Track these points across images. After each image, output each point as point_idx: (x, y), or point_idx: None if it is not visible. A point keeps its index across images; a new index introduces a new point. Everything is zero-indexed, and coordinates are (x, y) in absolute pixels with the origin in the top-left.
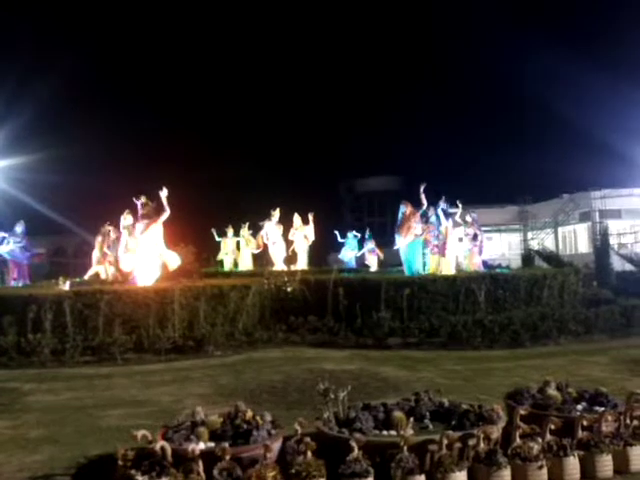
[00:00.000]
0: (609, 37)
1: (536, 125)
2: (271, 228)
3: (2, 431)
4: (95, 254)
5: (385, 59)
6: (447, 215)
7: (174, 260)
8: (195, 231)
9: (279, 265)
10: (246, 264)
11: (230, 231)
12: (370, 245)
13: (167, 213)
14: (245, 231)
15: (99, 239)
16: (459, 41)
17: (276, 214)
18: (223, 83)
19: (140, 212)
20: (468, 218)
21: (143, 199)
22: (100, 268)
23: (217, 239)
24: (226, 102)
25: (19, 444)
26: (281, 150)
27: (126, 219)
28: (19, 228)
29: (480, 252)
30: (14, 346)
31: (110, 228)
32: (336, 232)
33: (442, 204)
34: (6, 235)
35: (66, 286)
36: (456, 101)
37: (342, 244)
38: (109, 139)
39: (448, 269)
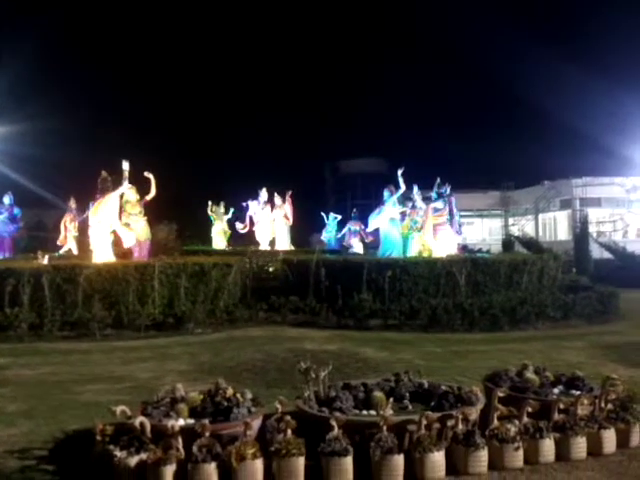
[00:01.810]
0: (589, 27)
1: (520, 112)
2: (257, 208)
3: None
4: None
5: (372, 40)
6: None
7: (128, 238)
8: (178, 208)
9: (264, 245)
10: (219, 244)
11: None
12: (354, 227)
13: (122, 188)
14: (218, 209)
15: (66, 215)
16: (446, 25)
17: (263, 194)
18: (206, 56)
19: (99, 187)
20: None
21: (103, 174)
22: (72, 244)
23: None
24: (210, 76)
25: None
26: (265, 129)
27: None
28: (7, 199)
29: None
30: None
31: (73, 205)
32: (322, 214)
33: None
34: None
35: (45, 260)
36: (442, 86)
37: (325, 225)
38: (92, 111)
39: (435, 251)
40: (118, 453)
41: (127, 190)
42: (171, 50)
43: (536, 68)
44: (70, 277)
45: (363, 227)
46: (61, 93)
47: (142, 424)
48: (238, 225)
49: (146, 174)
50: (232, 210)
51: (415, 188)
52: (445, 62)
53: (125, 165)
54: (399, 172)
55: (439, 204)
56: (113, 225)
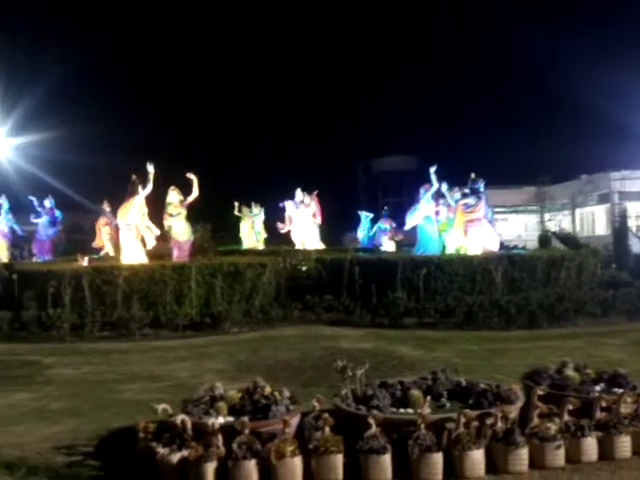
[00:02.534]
0: (625, 15)
1: (555, 105)
2: (292, 208)
3: (25, 403)
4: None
5: (401, 38)
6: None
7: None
8: (211, 209)
9: (298, 245)
10: (248, 243)
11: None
12: (384, 225)
13: (147, 190)
14: (246, 210)
15: (100, 218)
16: (476, 18)
17: (298, 194)
18: (238, 59)
19: (128, 190)
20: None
21: (133, 177)
22: (109, 246)
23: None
24: (243, 79)
25: (42, 416)
26: (298, 128)
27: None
28: (47, 203)
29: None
30: (35, 320)
31: (107, 208)
32: (359, 212)
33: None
34: (40, 209)
35: (84, 262)
36: (475, 82)
37: (359, 224)
38: (127, 117)
39: (469, 248)
40: (161, 450)
41: (170, 192)
42: (204, 54)
43: (571, 59)
44: (109, 278)
45: (394, 225)
46: (96, 99)
47: (183, 422)
48: (279, 225)
49: (188, 175)
50: (262, 210)
51: (444, 185)
52: (476, 57)
53: (150, 168)
54: (432, 170)
55: (470, 200)
56: (139, 227)
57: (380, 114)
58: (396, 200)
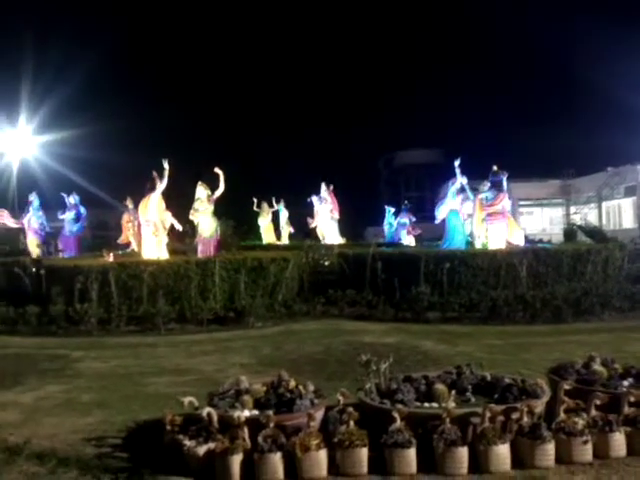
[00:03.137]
0: None
1: (580, 97)
2: (317, 203)
3: (56, 395)
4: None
5: (426, 28)
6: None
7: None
8: (235, 205)
9: (328, 239)
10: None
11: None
12: (403, 219)
13: (162, 186)
14: (264, 206)
15: (124, 215)
16: (501, 10)
17: (323, 189)
18: (264, 54)
19: (147, 187)
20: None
21: (154, 174)
22: (133, 242)
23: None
24: (268, 73)
25: (72, 408)
26: (321, 123)
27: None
28: (72, 199)
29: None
30: (62, 315)
31: (130, 204)
32: (386, 207)
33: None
34: (69, 205)
35: (110, 258)
36: (498, 73)
37: (380, 218)
38: (150, 114)
39: (489, 242)
40: (187, 442)
41: (198, 187)
42: (231, 51)
43: (597, 50)
44: (135, 274)
45: (413, 219)
46: (120, 97)
47: (209, 414)
48: (308, 220)
49: (215, 170)
50: (280, 206)
51: (464, 179)
52: (501, 50)
53: (165, 164)
54: (456, 163)
55: (489, 194)
56: (157, 223)
57: (404, 108)
58: (419, 194)
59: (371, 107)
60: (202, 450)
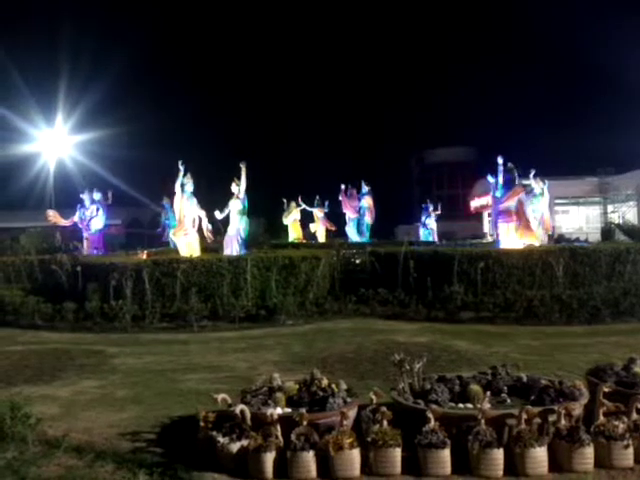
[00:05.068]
0: None
1: (618, 93)
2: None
3: (92, 390)
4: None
5: (459, 27)
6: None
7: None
8: (265, 202)
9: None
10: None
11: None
12: (424, 218)
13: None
14: (290, 205)
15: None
16: (537, 6)
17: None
18: (289, 57)
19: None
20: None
21: (188, 174)
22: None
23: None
24: (298, 70)
25: (108, 403)
26: (350, 120)
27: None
28: (96, 196)
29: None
30: (98, 311)
31: (167, 203)
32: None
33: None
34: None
35: (144, 255)
36: (534, 70)
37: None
38: (181, 114)
39: (532, 240)
40: (221, 439)
41: (233, 184)
42: (258, 52)
43: (633, 45)
44: (168, 271)
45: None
46: (152, 97)
47: (242, 412)
48: (311, 225)
49: (241, 164)
50: (301, 205)
51: (489, 177)
52: (535, 47)
53: (180, 165)
54: (499, 161)
55: (497, 193)
56: (187, 221)
57: (435, 106)
58: (451, 192)
59: (402, 105)
60: (235, 447)
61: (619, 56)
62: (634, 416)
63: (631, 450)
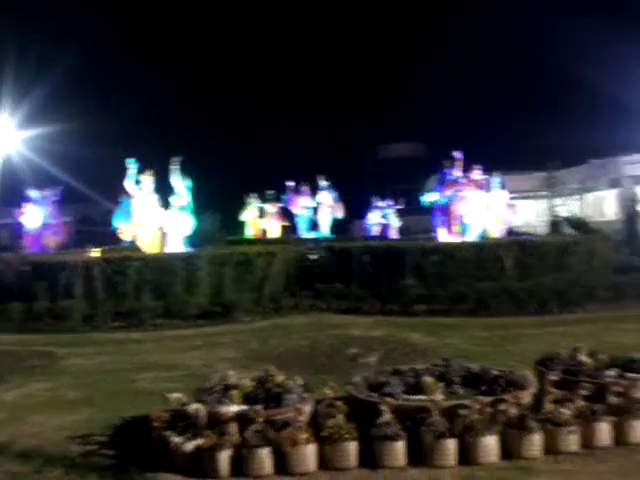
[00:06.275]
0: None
1: (564, 89)
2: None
3: (41, 393)
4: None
5: (408, 23)
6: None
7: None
8: (221, 198)
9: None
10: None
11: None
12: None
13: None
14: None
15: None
16: (484, 4)
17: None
18: (240, 44)
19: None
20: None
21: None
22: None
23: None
24: (249, 63)
25: (57, 405)
26: (303, 116)
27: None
28: (34, 194)
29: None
30: (47, 311)
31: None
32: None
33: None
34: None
35: (94, 253)
36: (481, 67)
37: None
38: (132, 109)
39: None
40: (175, 439)
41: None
42: (208, 48)
43: (580, 40)
44: (120, 269)
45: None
46: (103, 92)
47: (197, 410)
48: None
49: (173, 160)
50: (256, 201)
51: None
52: (482, 40)
53: (129, 163)
54: (456, 156)
55: (435, 189)
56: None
57: (388, 102)
58: (405, 187)
59: (355, 100)
60: (190, 446)
61: (566, 54)
62: (579, 403)
63: (576, 436)
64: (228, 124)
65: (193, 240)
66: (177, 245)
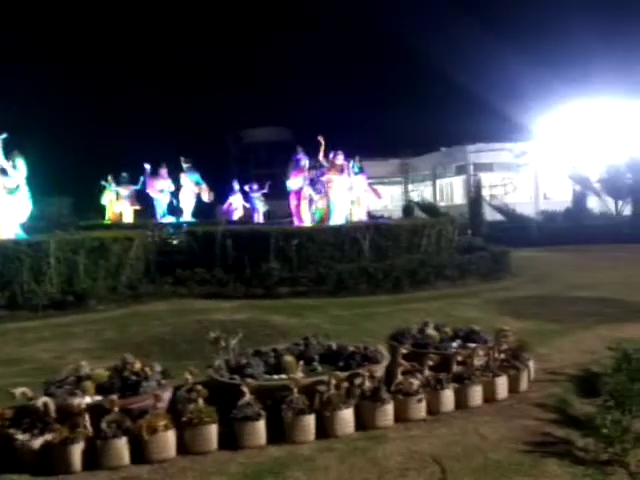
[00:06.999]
0: None
1: (420, 80)
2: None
3: None
4: None
5: (272, 7)
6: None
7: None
8: (73, 181)
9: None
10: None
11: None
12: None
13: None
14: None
15: None
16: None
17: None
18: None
19: None
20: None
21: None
22: None
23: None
24: (111, 42)
25: None
26: (167, 95)
27: None
28: None
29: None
30: None
31: None
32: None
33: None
34: None
35: None
36: (341, 55)
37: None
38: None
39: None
40: (20, 436)
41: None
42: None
43: (435, 37)
44: None
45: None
46: None
47: (46, 404)
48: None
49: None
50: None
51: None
52: (342, 29)
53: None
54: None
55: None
56: None
57: (249, 84)
58: (269, 171)
59: (218, 83)
60: (37, 443)
61: (421, 42)
62: (426, 373)
63: (424, 404)
64: (84, 101)
65: (38, 225)
66: (11, 231)
